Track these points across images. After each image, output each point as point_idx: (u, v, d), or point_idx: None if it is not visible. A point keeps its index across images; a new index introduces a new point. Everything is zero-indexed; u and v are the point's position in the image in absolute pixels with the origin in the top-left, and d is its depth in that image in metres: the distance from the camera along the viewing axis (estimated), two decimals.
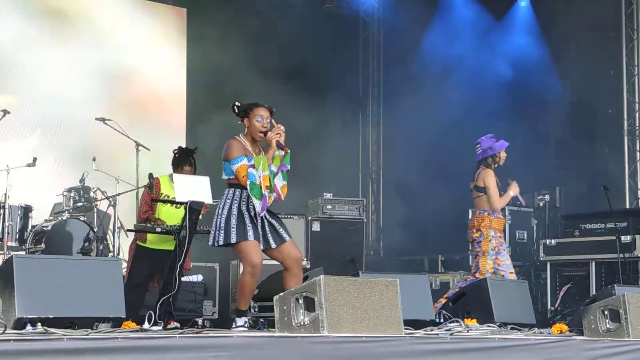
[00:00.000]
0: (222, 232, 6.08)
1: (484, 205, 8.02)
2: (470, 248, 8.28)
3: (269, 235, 6.16)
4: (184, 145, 8.12)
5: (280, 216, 9.84)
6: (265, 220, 6.18)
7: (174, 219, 7.35)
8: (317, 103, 12.54)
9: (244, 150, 6.13)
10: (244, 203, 6.12)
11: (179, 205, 7.42)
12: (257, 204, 6.04)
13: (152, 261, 7.53)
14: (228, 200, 6.14)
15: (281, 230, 6.21)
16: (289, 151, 6.23)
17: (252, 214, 6.12)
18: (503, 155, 8.07)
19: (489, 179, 7.99)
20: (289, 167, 6.26)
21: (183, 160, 7.64)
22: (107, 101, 11.41)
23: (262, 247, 6.14)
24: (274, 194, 6.12)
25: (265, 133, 6.18)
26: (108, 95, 11.58)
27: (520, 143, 11.21)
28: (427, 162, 12.69)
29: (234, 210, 6.10)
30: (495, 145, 8.03)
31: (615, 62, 11.66)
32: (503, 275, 7.82)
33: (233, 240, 6.05)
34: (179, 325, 6.54)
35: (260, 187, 6.03)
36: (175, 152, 7.72)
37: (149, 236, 7.56)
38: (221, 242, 6.09)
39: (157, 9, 12.41)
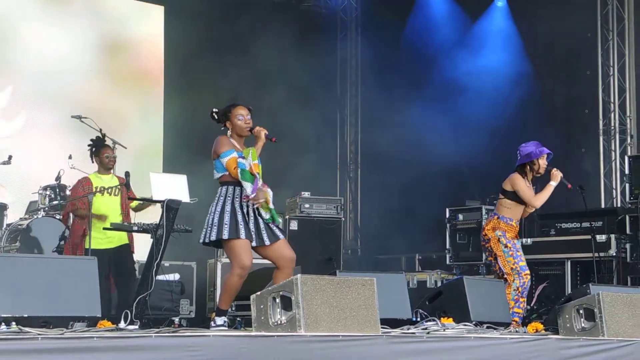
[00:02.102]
0: (215, 228, 6.01)
1: (499, 210, 7.63)
2: (486, 254, 7.85)
3: (263, 232, 6.10)
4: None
5: None
6: (259, 217, 6.13)
7: (108, 210, 7.43)
8: (295, 102, 12.54)
9: (232, 146, 6.15)
10: (237, 200, 6.08)
11: (116, 194, 7.49)
12: (248, 187, 6.00)
13: (106, 262, 7.44)
14: (221, 198, 6.09)
15: (275, 228, 6.18)
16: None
17: (245, 211, 6.07)
18: (542, 163, 7.57)
19: (517, 182, 7.54)
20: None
21: (100, 145, 7.76)
22: (81, 101, 11.35)
23: (255, 244, 6.08)
24: (260, 181, 6.10)
25: (251, 129, 6.21)
26: (83, 95, 11.52)
27: (497, 143, 11.27)
28: (406, 161, 12.71)
29: (227, 207, 6.04)
30: (533, 152, 7.55)
31: (591, 63, 11.73)
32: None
33: (225, 236, 5.98)
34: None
35: (251, 172, 6.02)
36: (91, 144, 7.85)
37: (92, 237, 7.45)
38: (213, 238, 6.01)
39: (134, 4, 12.37)
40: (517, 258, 7.49)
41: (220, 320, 6.06)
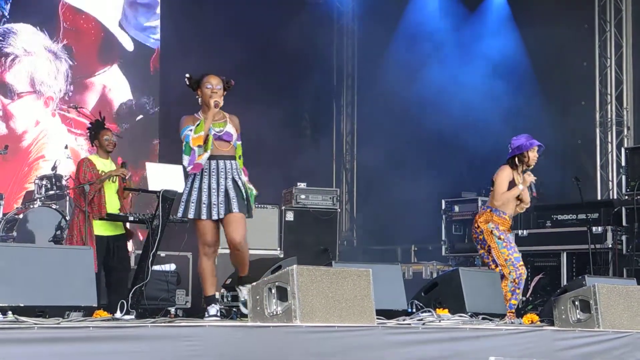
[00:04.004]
0: (183, 205, 6.04)
1: (491, 201, 7.63)
2: (478, 246, 7.71)
3: (222, 204, 5.99)
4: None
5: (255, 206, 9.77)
6: (224, 190, 6.00)
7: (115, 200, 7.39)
8: (291, 92, 12.53)
9: (192, 122, 6.01)
10: (205, 174, 6.01)
11: (113, 181, 7.40)
12: (185, 160, 5.94)
13: (100, 248, 7.37)
14: (191, 175, 6.06)
15: (234, 201, 5.99)
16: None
17: (207, 185, 5.99)
18: (532, 155, 7.58)
19: (500, 173, 7.57)
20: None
21: (100, 128, 7.64)
22: (74, 89, 11.34)
23: (210, 217, 5.99)
24: (207, 153, 5.94)
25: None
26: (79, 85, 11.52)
27: (493, 134, 11.27)
28: (401, 152, 12.72)
29: (196, 184, 6.03)
30: (523, 144, 7.58)
31: (588, 54, 11.73)
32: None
33: (190, 215, 6.01)
34: None
35: (190, 145, 5.91)
36: (90, 127, 7.72)
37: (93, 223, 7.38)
38: (180, 215, 6.07)
39: None
40: (511, 250, 7.50)
41: (213, 309, 6.03)
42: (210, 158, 6.01)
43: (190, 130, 5.93)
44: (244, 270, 6.22)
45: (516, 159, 7.62)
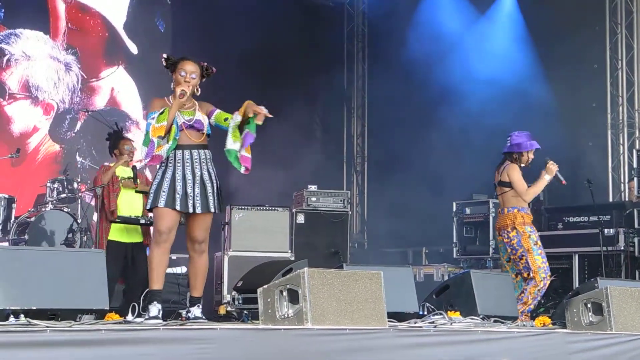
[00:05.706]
0: (152, 196, 5.60)
1: (511, 202, 7.53)
2: (508, 251, 7.55)
3: (197, 199, 5.59)
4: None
5: (264, 208, 9.72)
6: (200, 180, 5.61)
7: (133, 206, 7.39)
8: (302, 95, 12.54)
9: (162, 107, 5.57)
10: (179, 164, 5.60)
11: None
12: (142, 151, 5.53)
13: (124, 255, 7.45)
14: (163, 164, 5.63)
15: (211, 197, 5.64)
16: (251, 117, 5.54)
17: (181, 175, 5.58)
18: (530, 156, 7.59)
19: (513, 172, 7.51)
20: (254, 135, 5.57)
21: (119, 137, 7.76)
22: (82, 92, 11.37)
23: (178, 208, 5.57)
24: (168, 144, 5.51)
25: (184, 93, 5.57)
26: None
27: (504, 136, 11.24)
28: (412, 154, 12.71)
29: (168, 174, 5.58)
30: (524, 144, 7.57)
31: (599, 56, 11.70)
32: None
33: (148, 205, 5.64)
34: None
35: (149, 136, 5.46)
36: (108, 137, 7.85)
37: (113, 229, 7.45)
38: (148, 207, 5.67)
39: None
40: (544, 258, 7.46)
41: (154, 309, 5.53)
42: (183, 148, 5.59)
43: (153, 118, 5.49)
44: (200, 288, 5.85)
45: (514, 156, 7.61)
